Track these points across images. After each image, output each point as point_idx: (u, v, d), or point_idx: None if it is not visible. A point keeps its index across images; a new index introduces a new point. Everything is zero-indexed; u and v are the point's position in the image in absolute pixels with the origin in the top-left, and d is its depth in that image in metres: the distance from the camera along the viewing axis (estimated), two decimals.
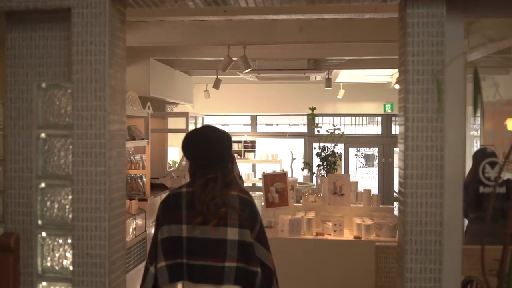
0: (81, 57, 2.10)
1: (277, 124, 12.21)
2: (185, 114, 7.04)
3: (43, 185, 2.22)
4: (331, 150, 6.26)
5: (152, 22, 4.93)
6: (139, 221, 5.73)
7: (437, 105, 2.03)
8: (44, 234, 2.22)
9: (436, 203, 2.06)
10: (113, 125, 2.18)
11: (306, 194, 5.49)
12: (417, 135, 2.07)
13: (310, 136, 10.84)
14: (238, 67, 5.47)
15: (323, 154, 6.23)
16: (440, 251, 2.06)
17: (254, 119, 11.33)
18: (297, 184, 6.17)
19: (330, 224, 4.93)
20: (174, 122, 8.36)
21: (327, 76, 7.13)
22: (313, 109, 6.37)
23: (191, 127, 8.01)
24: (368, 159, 11.56)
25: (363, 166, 11.59)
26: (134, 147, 6.36)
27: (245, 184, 10.66)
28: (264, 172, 5.25)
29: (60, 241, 2.21)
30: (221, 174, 2.31)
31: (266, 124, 12.06)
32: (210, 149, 2.32)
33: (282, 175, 5.21)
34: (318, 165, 6.10)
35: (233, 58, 5.17)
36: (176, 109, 8.55)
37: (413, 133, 2.06)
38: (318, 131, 6.39)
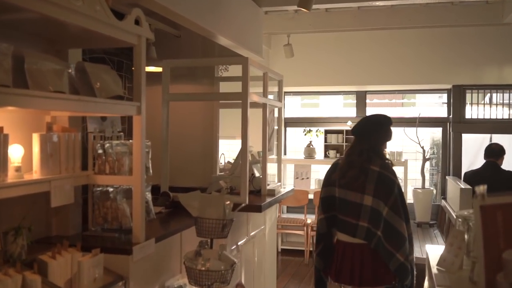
0: None
1: (399, 105, 8.05)
2: (242, 61, 3.37)
3: None
4: None
5: None
6: None
7: None
8: None
9: None
10: None
11: None
12: None
13: (457, 123, 6.74)
14: None
15: None
16: None
17: (361, 97, 7.45)
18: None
19: None
20: (232, 88, 4.71)
21: None
22: None
23: (256, 89, 4.24)
24: None
25: None
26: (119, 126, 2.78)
27: None
28: (482, 195, 1.45)
29: None
30: (365, 147, 3.08)
31: (378, 105, 7.98)
32: (359, 125, 3.18)
33: None
34: None
35: None
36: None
37: None
38: None
